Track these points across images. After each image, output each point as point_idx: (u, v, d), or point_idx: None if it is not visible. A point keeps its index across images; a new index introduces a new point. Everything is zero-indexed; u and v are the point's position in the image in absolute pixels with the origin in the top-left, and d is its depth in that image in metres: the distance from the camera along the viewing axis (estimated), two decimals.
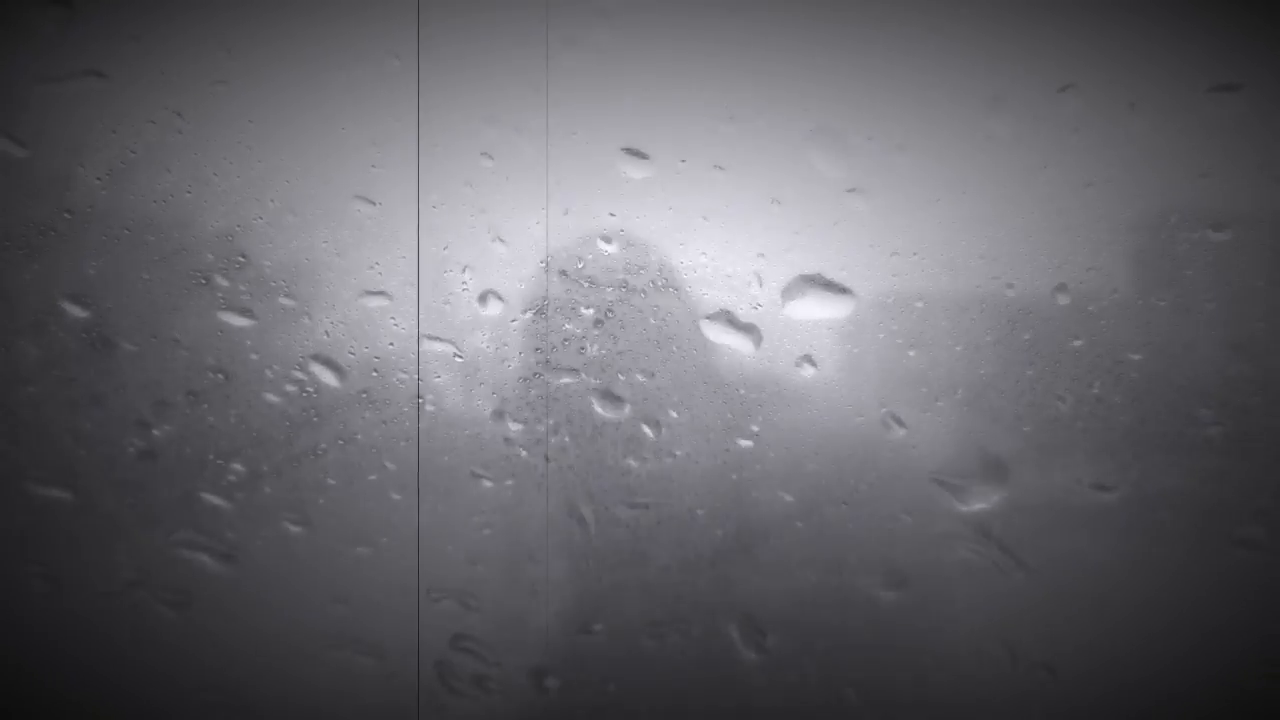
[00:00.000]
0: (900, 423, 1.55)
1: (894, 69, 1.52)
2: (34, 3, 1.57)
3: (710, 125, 1.53)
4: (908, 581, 1.58)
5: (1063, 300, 1.52)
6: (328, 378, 1.59)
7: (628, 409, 1.57)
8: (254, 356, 1.59)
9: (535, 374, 1.57)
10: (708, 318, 1.56)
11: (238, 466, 1.60)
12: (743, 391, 1.56)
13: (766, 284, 1.54)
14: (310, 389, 1.59)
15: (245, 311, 1.59)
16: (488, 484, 1.59)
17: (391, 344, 1.58)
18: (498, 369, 1.58)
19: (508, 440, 1.58)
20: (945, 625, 1.58)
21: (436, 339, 1.58)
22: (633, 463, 1.58)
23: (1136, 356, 1.52)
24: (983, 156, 1.52)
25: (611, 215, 1.54)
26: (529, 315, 1.57)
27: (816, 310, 1.54)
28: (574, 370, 1.57)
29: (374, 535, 1.61)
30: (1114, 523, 1.55)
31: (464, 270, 1.57)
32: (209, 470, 1.61)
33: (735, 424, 1.57)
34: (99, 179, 1.58)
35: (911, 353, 1.54)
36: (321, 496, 1.61)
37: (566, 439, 1.58)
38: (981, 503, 1.55)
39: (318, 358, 1.59)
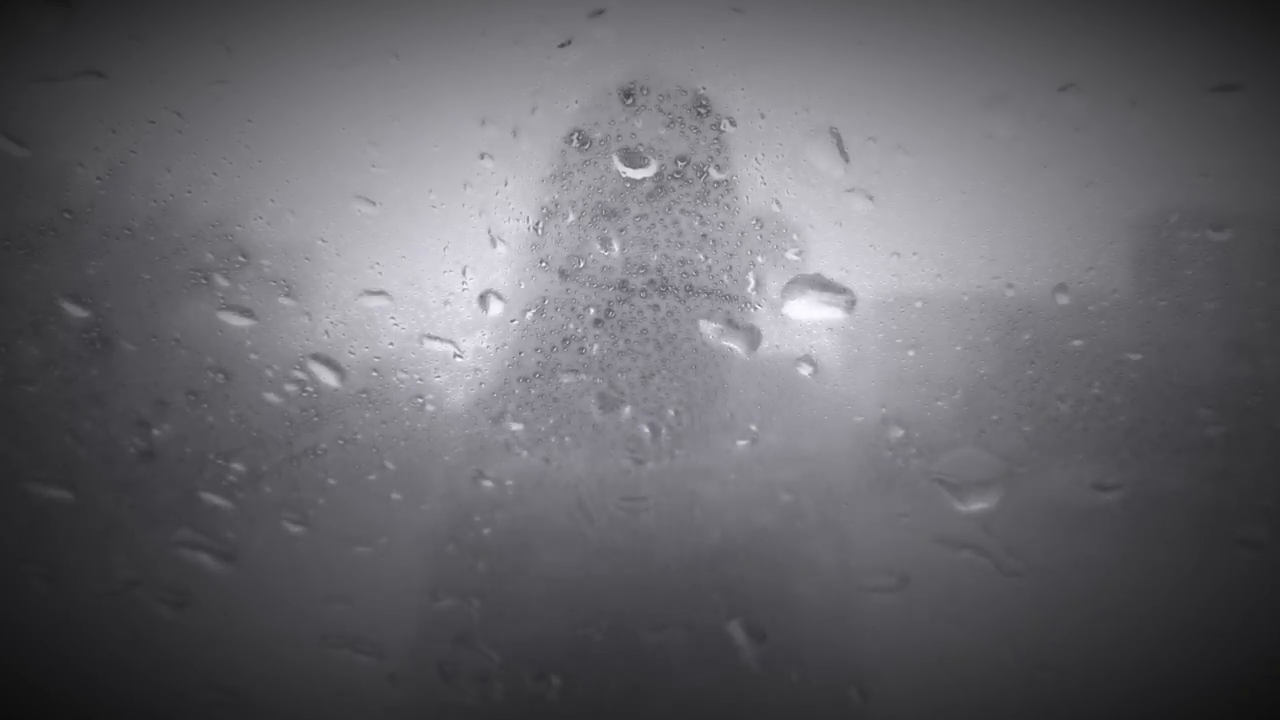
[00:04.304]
0: (900, 423, 1.55)
1: (894, 69, 1.51)
2: (34, 2, 1.57)
3: (710, 125, 1.52)
4: (908, 581, 1.58)
5: (1063, 300, 1.52)
6: (328, 378, 1.59)
7: (627, 409, 1.57)
8: (254, 356, 1.59)
9: (535, 374, 1.57)
10: (707, 318, 1.56)
11: (238, 466, 1.60)
12: (743, 391, 1.56)
13: (765, 284, 1.54)
14: (310, 389, 1.59)
15: (245, 311, 1.59)
16: (488, 484, 1.59)
17: (391, 344, 1.58)
18: (498, 369, 1.58)
19: (508, 440, 1.58)
20: (945, 625, 1.58)
21: (436, 339, 1.58)
22: (633, 462, 1.58)
23: (1136, 356, 1.52)
24: (983, 156, 1.52)
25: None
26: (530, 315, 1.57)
27: (816, 310, 1.54)
28: (574, 370, 1.57)
29: (374, 535, 1.61)
30: (1114, 523, 1.55)
31: (464, 270, 1.57)
32: (209, 470, 1.61)
33: (735, 424, 1.57)
34: (99, 179, 1.58)
35: (911, 353, 1.54)
36: (321, 496, 1.61)
37: (566, 439, 1.58)
38: (981, 503, 1.55)
39: (318, 357, 1.59)
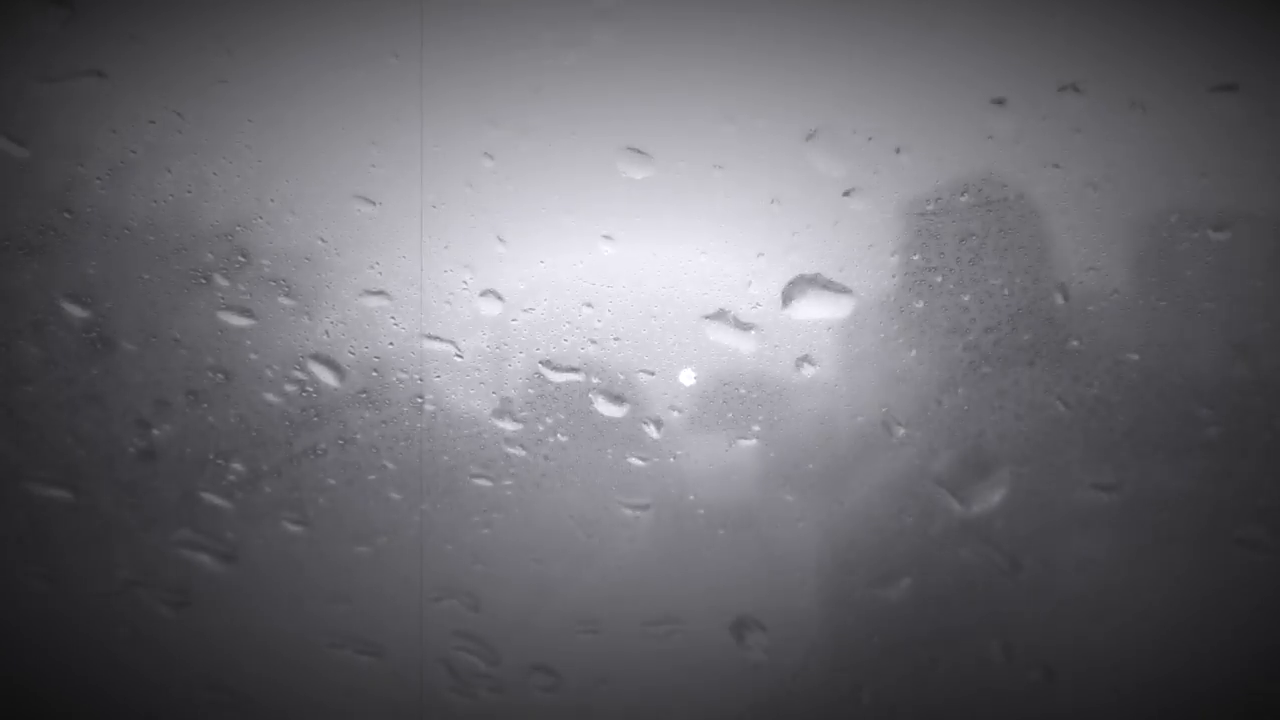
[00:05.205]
0: (900, 423, 1.55)
1: (894, 69, 1.51)
2: (34, 3, 1.57)
3: (710, 125, 1.52)
4: (908, 581, 1.58)
5: (1062, 300, 1.52)
6: (328, 377, 1.59)
7: (627, 408, 1.57)
8: (254, 356, 1.59)
9: (535, 373, 1.57)
10: (707, 317, 1.55)
11: (238, 466, 1.60)
12: (743, 391, 1.56)
13: (766, 284, 1.54)
14: (310, 389, 1.59)
15: (245, 311, 1.59)
16: (487, 483, 1.59)
17: (391, 344, 1.58)
18: (498, 369, 1.58)
19: (507, 440, 1.58)
20: (944, 625, 1.58)
21: (436, 339, 1.58)
22: (633, 462, 1.58)
23: (1136, 356, 1.52)
24: (983, 156, 1.52)
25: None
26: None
27: (816, 310, 1.54)
28: (574, 369, 1.57)
29: (374, 535, 1.61)
30: (1114, 523, 1.55)
31: (465, 269, 1.57)
32: (209, 470, 1.61)
33: (735, 424, 1.57)
34: (99, 179, 1.58)
35: (911, 353, 1.54)
36: (321, 496, 1.61)
37: (565, 438, 1.58)
38: (981, 503, 1.55)
39: (317, 357, 1.59)
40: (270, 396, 1.59)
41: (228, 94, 1.56)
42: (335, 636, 1.63)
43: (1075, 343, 1.53)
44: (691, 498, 1.58)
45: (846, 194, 1.50)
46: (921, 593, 1.58)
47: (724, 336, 1.56)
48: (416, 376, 1.58)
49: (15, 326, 1.60)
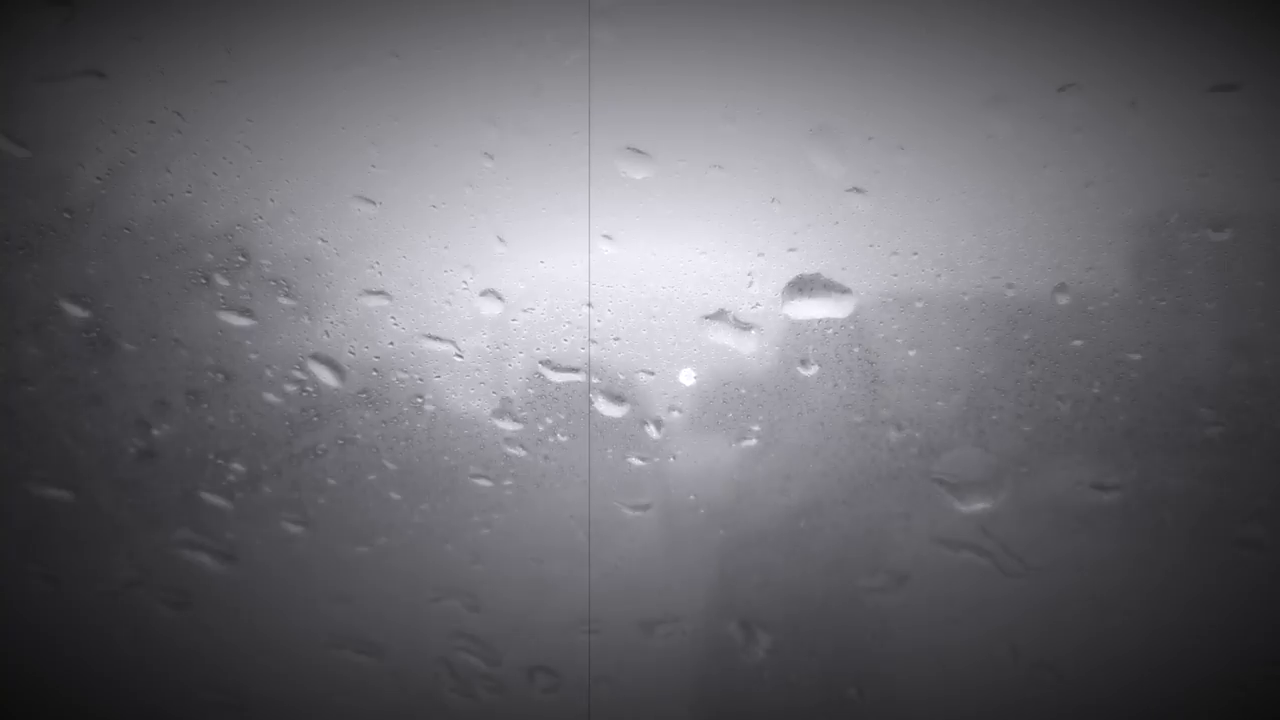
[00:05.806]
0: (900, 423, 1.55)
1: (894, 69, 1.51)
2: (34, 3, 1.57)
3: (710, 125, 1.52)
4: (908, 581, 1.58)
5: (1063, 300, 1.52)
6: (327, 377, 1.59)
7: (627, 408, 1.57)
8: (254, 356, 1.59)
9: (535, 373, 1.58)
10: (707, 318, 1.55)
11: (238, 466, 1.60)
12: (743, 391, 1.56)
13: (766, 284, 1.54)
14: (310, 389, 1.59)
15: (245, 311, 1.59)
16: (487, 483, 1.59)
17: (391, 344, 1.58)
18: (498, 369, 1.58)
19: (507, 440, 1.58)
20: (945, 625, 1.58)
21: (436, 339, 1.58)
22: (633, 462, 1.58)
23: (1136, 356, 1.52)
24: (983, 156, 1.52)
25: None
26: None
27: (816, 310, 1.54)
28: (574, 369, 1.57)
29: (374, 535, 1.61)
30: (1114, 523, 1.55)
31: (465, 269, 1.57)
32: (209, 470, 1.61)
33: (735, 424, 1.57)
34: (99, 179, 1.58)
35: (911, 353, 1.54)
36: (321, 496, 1.61)
37: (565, 438, 1.58)
38: (981, 503, 1.55)
39: (317, 357, 1.59)
40: (270, 396, 1.59)
41: (228, 94, 1.57)
42: (335, 636, 1.63)
43: (1075, 343, 1.53)
44: (691, 498, 1.58)
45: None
46: (921, 593, 1.58)
47: (724, 336, 1.55)
48: (416, 376, 1.58)
49: (15, 326, 1.60)
